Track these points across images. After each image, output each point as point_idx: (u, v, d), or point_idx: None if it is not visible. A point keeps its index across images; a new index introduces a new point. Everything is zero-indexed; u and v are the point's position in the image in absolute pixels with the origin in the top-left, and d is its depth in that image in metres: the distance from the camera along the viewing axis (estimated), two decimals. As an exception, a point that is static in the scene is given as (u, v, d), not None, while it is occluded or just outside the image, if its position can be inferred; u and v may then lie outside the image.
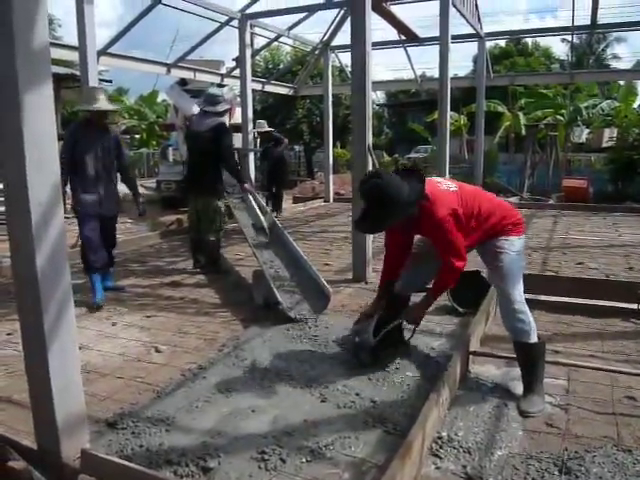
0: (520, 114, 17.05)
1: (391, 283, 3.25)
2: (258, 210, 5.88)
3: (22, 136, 1.90)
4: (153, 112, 26.52)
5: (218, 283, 5.29)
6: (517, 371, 2.95)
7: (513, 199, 12.16)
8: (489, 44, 25.14)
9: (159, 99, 26.63)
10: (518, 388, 2.85)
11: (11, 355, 3.45)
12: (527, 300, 4.18)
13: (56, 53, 7.83)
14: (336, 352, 3.41)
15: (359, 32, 4.88)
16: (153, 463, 2.19)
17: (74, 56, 7.51)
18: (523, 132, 16.41)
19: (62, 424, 2.09)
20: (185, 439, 2.39)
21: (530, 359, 2.82)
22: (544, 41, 27.99)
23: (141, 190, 15.67)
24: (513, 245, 2.83)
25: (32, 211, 1.94)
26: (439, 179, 3.06)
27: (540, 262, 5.87)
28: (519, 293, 2.83)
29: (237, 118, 10.96)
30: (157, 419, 2.56)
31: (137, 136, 27.24)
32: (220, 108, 5.51)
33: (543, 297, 4.37)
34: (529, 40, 26.35)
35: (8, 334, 3.83)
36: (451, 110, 18.36)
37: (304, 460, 2.23)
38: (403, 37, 10.55)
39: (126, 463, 1.98)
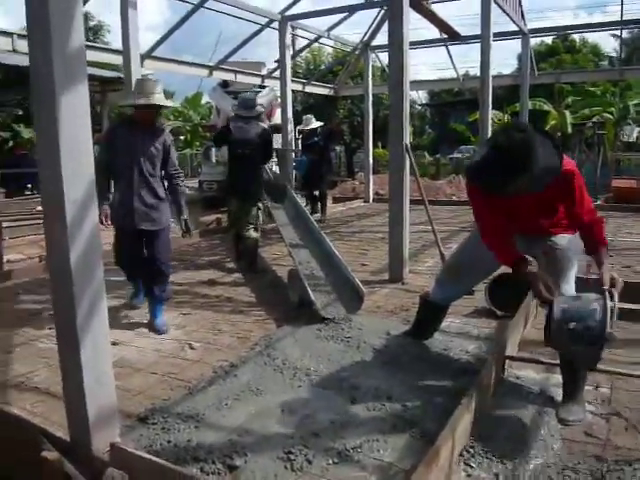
0: (566, 112, 16.58)
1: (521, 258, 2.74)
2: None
3: (58, 133, 1.93)
4: (197, 114, 26.98)
5: (254, 282, 5.32)
6: (557, 377, 2.86)
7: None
8: (535, 42, 24.55)
9: (203, 101, 27.04)
10: (558, 395, 2.75)
11: (51, 349, 3.53)
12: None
13: (103, 57, 8.08)
14: (369, 353, 3.37)
15: (396, 30, 4.83)
16: (180, 459, 2.21)
17: (120, 60, 7.70)
18: (569, 131, 15.96)
19: (93, 417, 2.12)
20: (213, 436, 2.40)
21: (574, 366, 2.71)
22: (592, 37, 27.20)
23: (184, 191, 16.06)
24: (570, 242, 2.75)
25: (67, 208, 1.97)
26: None
27: (584, 265, 5.66)
28: (572, 292, 2.70)
29: (278, 118, 11.04)
30: (187, 415, 2.58)
31: (182, 137, 27.80)
32: (255, 112, 5.74)
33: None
34: (577, 37, 25.61)
35: (50, 328, 3.94)
36: (495, 109, 18.10)
37: (331, 462, 2.21)
38: (445, 35, 10.40)
39: (153, 458, 2.00)
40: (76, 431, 2.17)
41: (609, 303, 2.35)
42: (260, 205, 5.78)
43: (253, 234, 5.71)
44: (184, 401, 2.74)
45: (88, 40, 22.90)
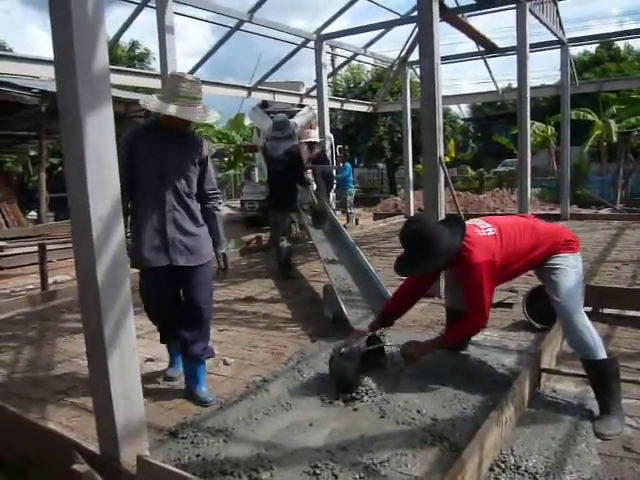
0: (611, 122, 16.11)
1: (392, 316, 3.34)
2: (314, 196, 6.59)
3: (84, 155, 2.00)
4: (240, 135, 27.52)
5: (291, 298, 5.35)
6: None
7: (605, 211, 11.49)
8: (578, 51, 24.02)
9: (246, 122, 27.57)
10: (597, 408, 2.65)
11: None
12: (613, 316, 3.98)
13: (143, 82, 8.41)
14: (401, 368, 3.32)
15: (427, 44, 4.83)
16: (207, 473, 2.23)
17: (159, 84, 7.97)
18: (615, 140, 15.49)
19: (122, 430, 2.16)
20: (241, 450, 2.40)
21: (600, 377, 2.65)
22: (638, 44, 26.44)
23: (227, 211, 16.34)
24: (566, 260, 2.82)
25: (93, 225, 2.04)
26: (478, 221, 3.06)
27: (630, 275, 5.47)
28: (578, 308, 2.75)
29: (316, 137, 11.13)
30: (216, 430, 2.60)
31: (225, 159, 28.40)
32: (287, 132, 6.30)
33: (630, 312, 4.07)
34: (621, 45, 24.93)
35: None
36: (538, 121, 17.79)
37: (357, 476, 2.17)
38: (482, 48, 10.33)
39: (178, 471, 2.01)
40: (105, 444, 2.22)
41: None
42: (293, 217, 6.34)
43: (285, 244, 6.28)
44: (215, 416, 2.77)
45: (134, 67, 23.83)
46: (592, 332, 2.68)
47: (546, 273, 2.87)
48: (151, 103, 2.91)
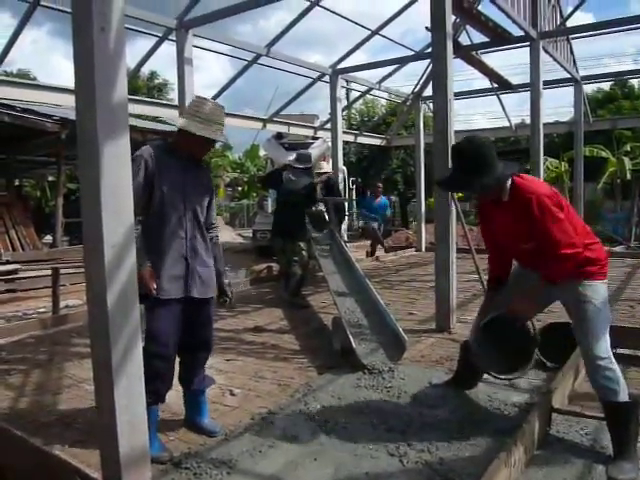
0: (625, 159, 16.10)
1: (501, 279, 3.06)
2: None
3: (100, 182, 2.05)
4: (254, 165, 27.82)
5: (300, 329, 5.32)
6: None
7: (619, 248, 11.40)
8: (592, 89, 24.11)
9: (261, 153, 27.89)
10: (609, 451, 2.59)
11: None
12: (626, 356, 3.91)
13: (162, 112, 8.57)
14: (409, 404, 3.28)
15: (441, 81, 4.91)
16: (209, 505, 2.20)
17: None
18: (628, 177, 15.46)
19: (125, 459, 2.15)
20: (244, 483, 2.38)
21: (620, 420, 2.56)
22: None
23: (239, 240, 16.30)
24: (597, 292, 2.62)
25: (105, 252, 2.07)
26: None
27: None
28: (605, 347, 2.60)
29: (327, 168, 11.24)
30: (220, 461, 2.57)
31: (239, 188, 28.69)
32: (308, 165, 6.83)
33: (643, 353, 4.00)
34: (635, 82, 24.98)
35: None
36: (552, 157, 17.82)
37: (361, 514, 2.14)
38: (496, 85, 10.45)
39: (180, 502, 2.00)
40: (108, 472, 2.21)
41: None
42: (302, 245, 6.41)
43: (298, 271, 6.38)
44: (219, 447, 2.74)
45: (153, 97, 24.29)
46: (618, 374, 2.57)
47: (574, 305, 2.66)
48: (191, 126, 2.76)
